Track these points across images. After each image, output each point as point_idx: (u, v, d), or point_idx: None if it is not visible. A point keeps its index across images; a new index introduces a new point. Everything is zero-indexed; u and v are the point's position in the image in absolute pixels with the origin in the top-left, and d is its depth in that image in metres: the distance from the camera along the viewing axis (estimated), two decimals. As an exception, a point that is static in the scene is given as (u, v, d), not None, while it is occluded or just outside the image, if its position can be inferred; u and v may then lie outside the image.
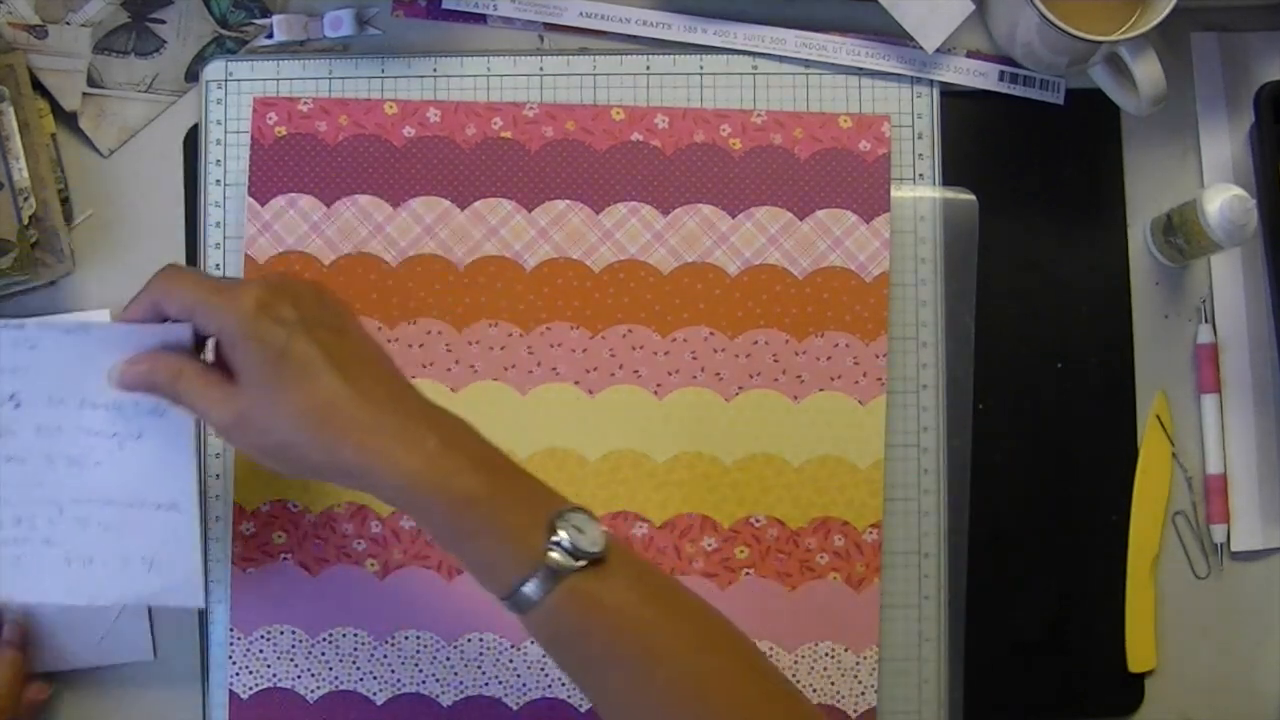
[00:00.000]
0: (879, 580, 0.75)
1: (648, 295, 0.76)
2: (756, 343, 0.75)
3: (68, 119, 0.77)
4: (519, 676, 0.74)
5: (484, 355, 0.75)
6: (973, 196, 0.78)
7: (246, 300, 0.60)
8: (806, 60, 0.78)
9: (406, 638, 0.74)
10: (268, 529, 0.74)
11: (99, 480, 0.67)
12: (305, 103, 0.76)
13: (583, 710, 0.74)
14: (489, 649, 0.74)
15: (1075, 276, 0.78)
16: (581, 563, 0.58)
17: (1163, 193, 0.79)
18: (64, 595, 0.68)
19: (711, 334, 0.75)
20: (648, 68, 0.78)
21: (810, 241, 0.76)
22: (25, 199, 0.73)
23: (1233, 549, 0.78)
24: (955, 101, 0.79)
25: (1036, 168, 0.79)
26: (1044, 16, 0.71)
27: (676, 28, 0.78)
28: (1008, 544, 0.77)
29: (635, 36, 0.78)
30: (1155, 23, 0.71)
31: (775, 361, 0.75)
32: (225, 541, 0.74)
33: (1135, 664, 0.77)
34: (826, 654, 0.75)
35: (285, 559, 0.74)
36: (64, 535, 0.67)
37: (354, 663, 0.74)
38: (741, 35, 0.78)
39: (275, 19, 0.77)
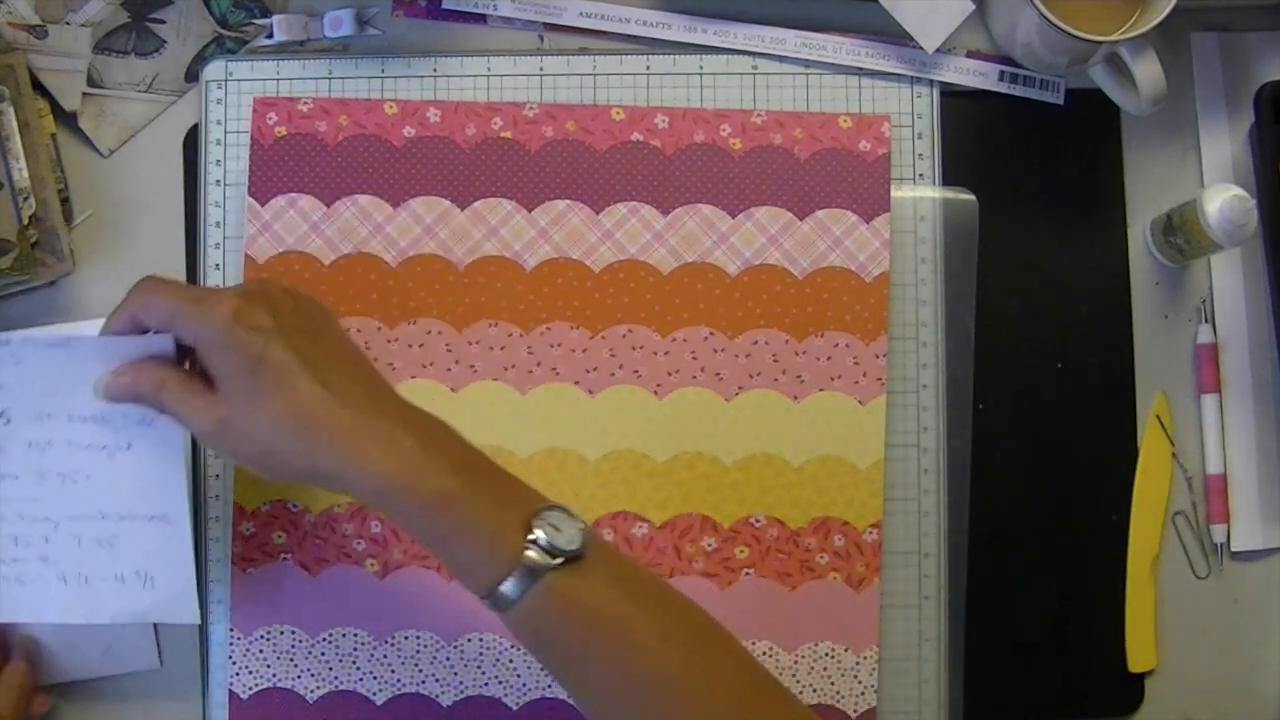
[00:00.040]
0: (879, 580, 0.75)
1: (648, 295, 0.76)
2: (756, 343, 0.75)
3: (68, 119, 0.77)
4: (519, 676, 0.74)
5: (484, 355, 0.75)
6: (973, 196, 0.78)
7: (222, 309, 0.61)
8: (806, 60, 0.78)
9: (406, 638, 0.74)
10: (268, 529, 0.74)
11: (92, 494, 0.67)
12: (305, 103, 0.76)
13: (583, 710, 0.74)
14: (489, 649, 0.74)
15: (1075, 276, 0.78)
16: (559, 561, 0.58)
17: (1163, 193, 0.79)
18: (61, 614, 0.69)
19: (711, 334, 0.75)
20: (648, 68, 0.78)
21: (810, 241, 0.76)
22: (25, 199, 0.73)
23: (1233, 549, 0.78)
24: (955, 101, 0.79)
25: (1036, 168, 0.79)
26: (1044, 16, 0.71)
27: (676, 28, 0.78)
28: (1008, 544, 0.77)
29: (635, 36, 0.79)
30: (1155, 23, 0.71)
31: (775, 361, 0.75)
32: (225, 541, 0.74)
33: (1135, 664, 0.77)
34: (826, 654, 0.75)
35: (285, 559, 0.74)
36: (59, 553, 0.68)
37: (354, 663, 0.74)
38: (741, 35, 0.78)
39: (275, 19, 0.77)
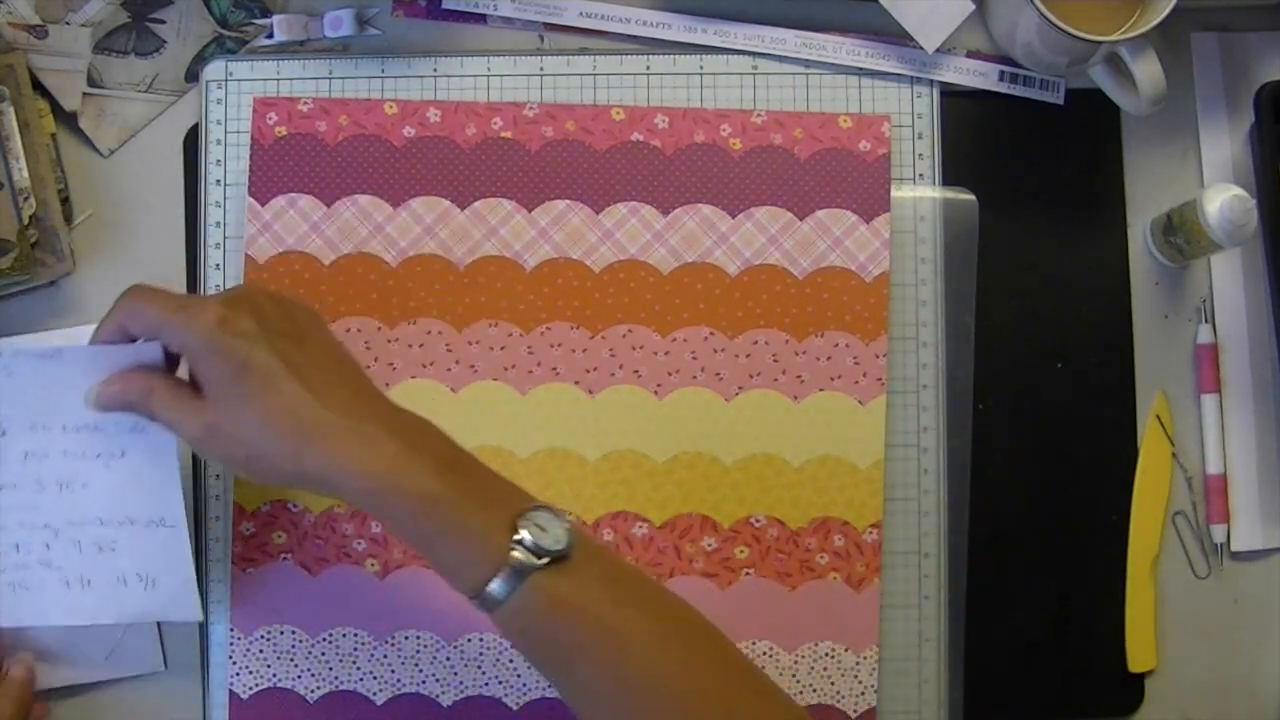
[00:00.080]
0: (879, 580, 0.75)
1: (648, 295, 0.76)
2: (756, 343, 0.75)
3: (68, 119, 0.77)
4: (519, 676, 0.74)
5: (484, 355, 0.75)
6: (973, 196, 0.78)
7: (207, 316, 0.61)
8: (806, 60, 0.78)
9: (406, 638, 0.74)
10: (268, 529, 0.74)
11: (89, 501, 0.69)
12: (305, 103, 0.76)
13: (583, 710, 0.74)
14: (489, 649, 0.74)
15: (1075, 276, 0.78)
16: (545, 561, 0.58)
17: (1163, 193, 0.79)
18: (65, 617, 0.70)
19: (711, 334, 0.75)
20: (648, 68, 0.78)
21: (810, 241, 0.76)
22: (25, 199, 0.73)
23: (1233, 549, 0.78)
24: (955, 101, 0.79)
25: (1036, 168, 0.79)
26: (1044, 16, 0.71)
27: (676, 28, 0.78)
28: (1008, 544, 0.77)
29: (635, 36, 0.78)
30: (1155, 23, 0.71)
31: (775, 361, 0.75)
32: (225, 541, 0.74)
33: (1135, 664, 0.77)
34: (826, 654, 0.75)
35: (285, 559, 0.74)
36: (61, 558, 0.69)
37: (354, 663, 0.74)
38: (741, 35, 0.78)
39: (275, 19, 0.77)
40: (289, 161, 0.76)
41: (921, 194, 0.78)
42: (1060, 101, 0.79)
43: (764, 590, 0.75)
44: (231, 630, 0.74)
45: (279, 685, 0.74)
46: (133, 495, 0.69)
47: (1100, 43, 0.72)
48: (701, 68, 0.78)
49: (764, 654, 0.74)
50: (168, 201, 0.77)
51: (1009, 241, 0.78)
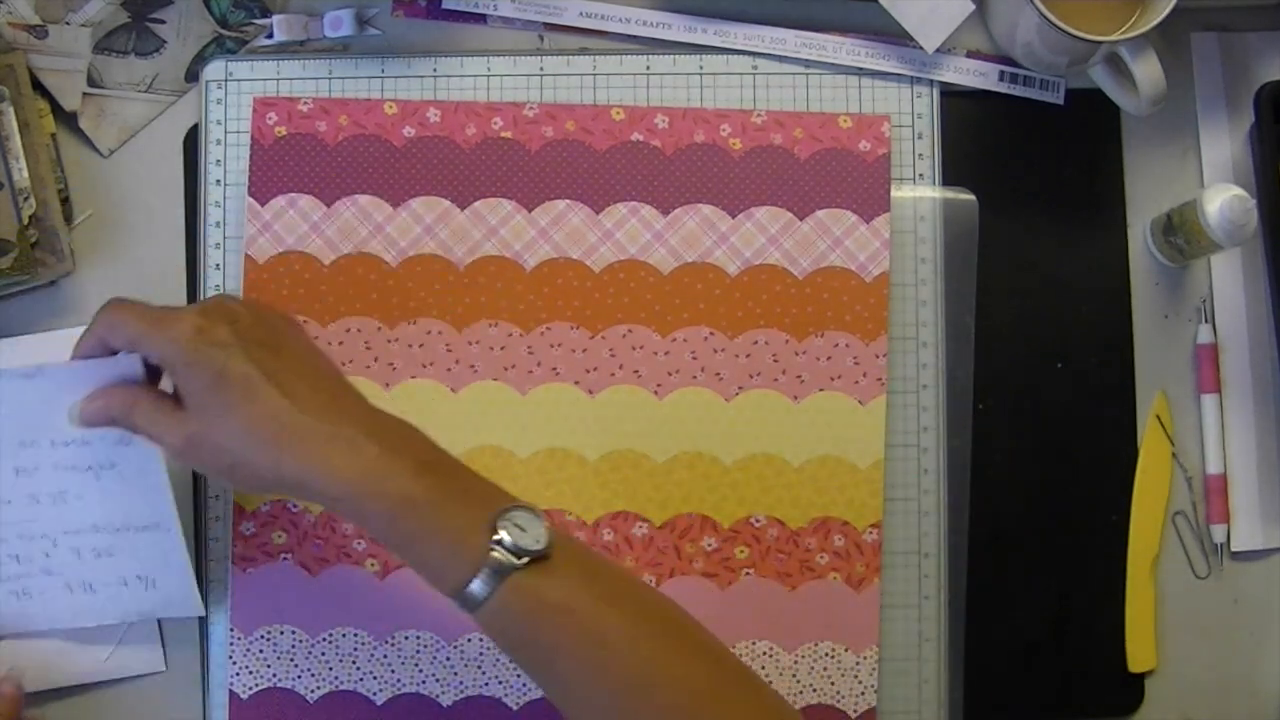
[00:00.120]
0: (879, 580, 0.75)
1: (648, 295, 0.76)
2: (756, 343, 0.75)
3: (68, 119, 0.77)
4: (519, 676, 0.74)
5: (484, 355, 0.75)
6: (973, 196, 0.78)
7: (183, 327, 0.62)
8: (806, 60, 0.78)
9: (406, 638, 0.74)
10: (268, 529, 0.74)
11: (84, 511, 0.70)
12: (305, 103, 0.76)
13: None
14: (489, 649, 0.74)
15: (1075, 276, 0.78)
16: (524, 560, 0.58)
17: (1163, 193, 0.79)
18: (71, 620, 0.72)
19: (711, 334, 0.75)
20: (648, 68, 0.78)
21: (810, 241, 0.76)
22: (25, 199, 0.73)
23: (1233, 549, 0.78)
24: (955, 101, 0.79)
25: (1036, 168, 0.79)
26: (1044, 16, 0.71)
27: (676, 28, 0.78)
28: (1008, 544, 0.77)
29: (635, 36, 0.78)
30: (1155, 23, 0.71)
31: (775, 361, 0.75)
32: (225, 541, 0.74)
33: (1135, 664, 0.77)
34: (826, 654, 0.75)
35: (285, 559, 0.74)
36: (62, 565, 0.71)
37: (354, 663, 0.74)
38: (741, 35, 0.78)
39: (275, 19, 0.77)
40: (289, 161, 0.76)
41: (921, 194, 0.78)
42: (1060, 101, 0.79)
43: (764, 590, 0.75)
44: (231, 630, 0.74)
45: (279, 685, 0.74)
46: (125, 503, 0.70)
47: (1100, 43, 0.72)
48: (701, 68, 0.78)
49: (764, 654, 0.74)
50: (168, 201, 0.77)
51: (1009, 241, 0.78)
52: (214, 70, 0.77)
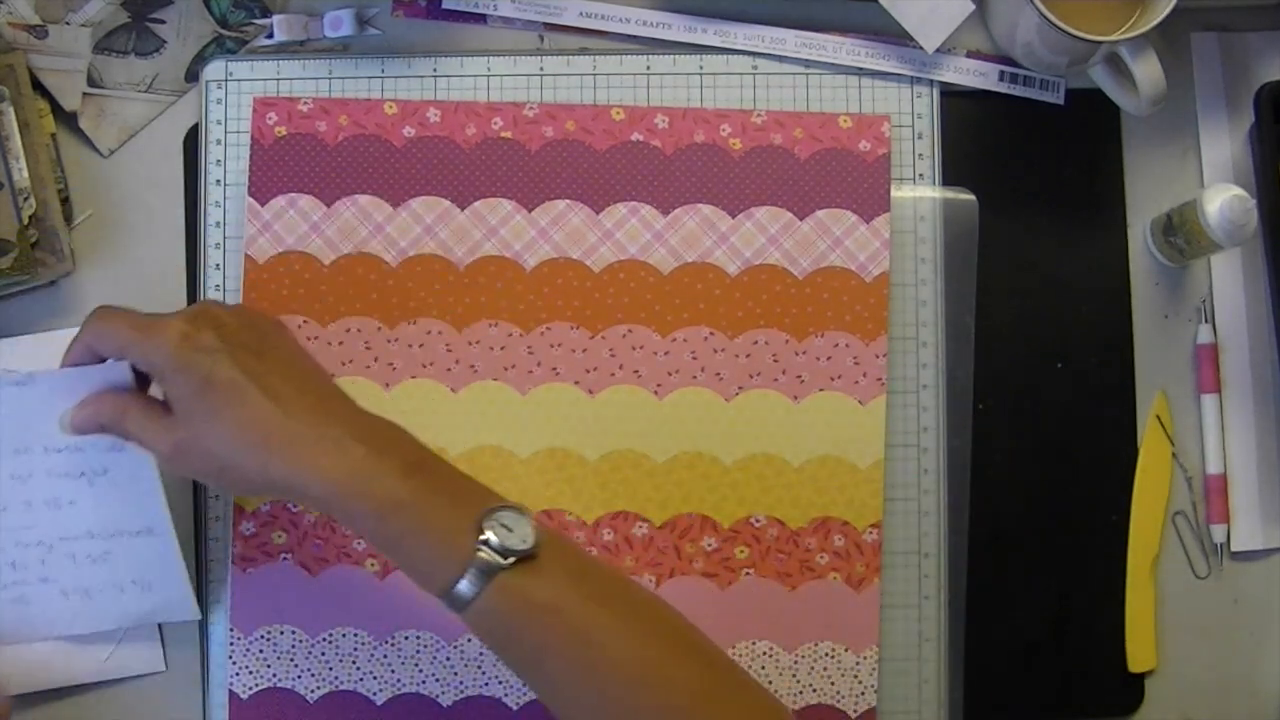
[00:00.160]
0: (879, 580, 0.75)
1: (648, 295, 0.76)
2: (756, 343, 0.75)
3: (68, 119, 0.77)
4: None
5: (484, 355, 0.75)
6: (973, 196, 0.78)
7: (169, 334, 0.62)
8: (806, 60, 0.78)
9: (406, 638, 0.74)
10: (268, 529, 0.74)
11: (78, 517, 0.70)
12: (305, 103, 0.76)
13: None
14: (489, 649, 0.74)
15: (1075, 276, 0.78)
16: (511, 560, 0.59)
17: (1163, 193, 0.79)
18: (68, 627, 0.72)
19: (711, 334, 0.75)
20: (648, 68, 0.78)
21: (810, 241, 0.76)
22: (25, 199, 0.73)
23: (1233, 549, 0.78)
24: (955, 101, 0.79)
25: (1036, 168, 0.79)
26: (1044, 16, 0.71)
27: (676, 28, 0.78)
28: (1008, 544, 0.77)
29: (635, 36, 0.78)
30: (1155, 23, 0.71)
31: (775, 361, 0.75)
32: (225, 541, 0.74)
33: (1135, 664, 0.77)
34: (826, 654, 0.74)
35: (285, 559, 0.74)
36: (58, 572, 0.71)
37: (354, 663, 0.74)
38: (741, 35, 0.78)
39: (275, 19, 0.77)
40: (289, 161, 0.76)
41: (921, 194, 0.78)
42: (1060, 101, 0.79)
43: (764, 590, 0.75)
44: (231, 630, 0.74)
45: (279, 685, 0.74)
46: (119, 508, 0.70)
47: (1100, 43, 0.72)
48: (701, 68, 0.78)
49: (764, 654, 0.74)
50: (168, 201, 0.77)
51: (1009, 241, 0.78)
52: (214, 70, 0.77)
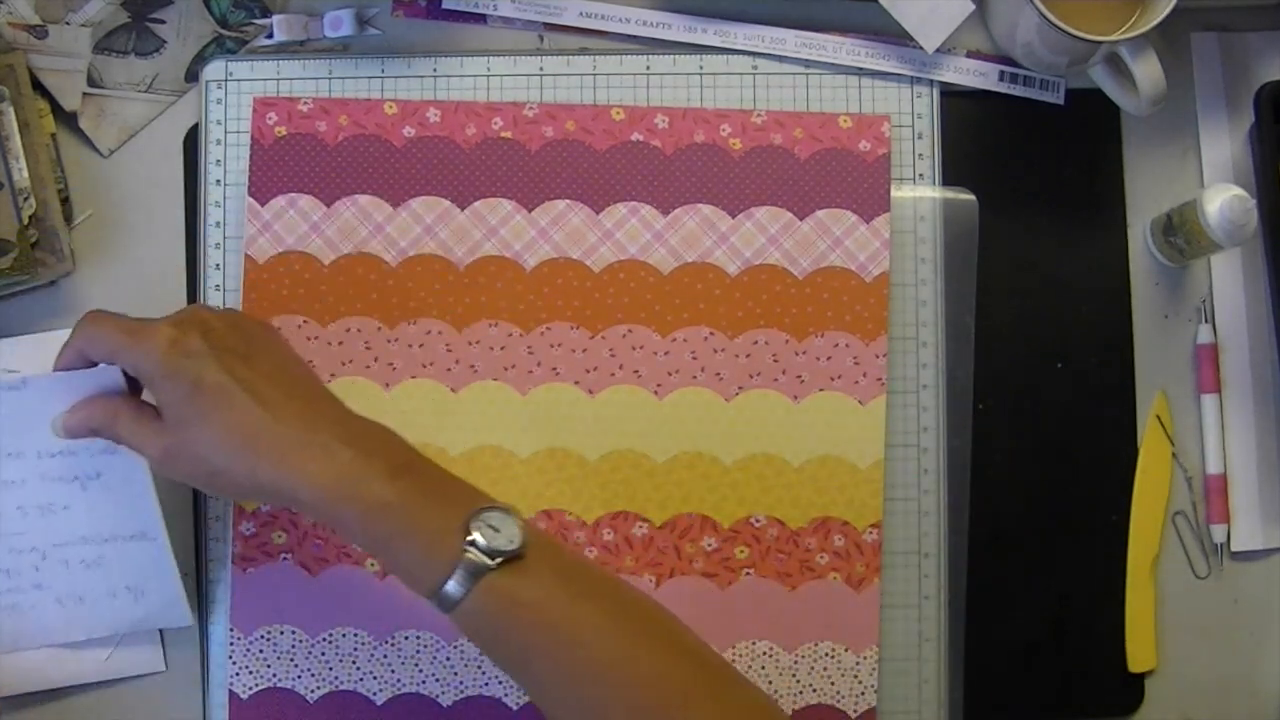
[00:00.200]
0: (879, 580, 0.75)
1: (648, 295, 0.76)
2: (756, 343, 0.75)
3: (68, 119, 0.77)
4: (519, 676, 0.74)
5: (484, 355, 0.75)
6: (973, 196, 0.78)
7: (158, 339, 0.62)
8: (806, 60, 0.78)
9: (406, 638, 0.74)
10: (268, 529, 0.74)
11: (72, 522, 0.70)
12: (305, 103, 0.76)
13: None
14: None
15: (1075, 276, 0.78)
16: (498, 561, 0.59)
17: (1163, 193, 0.79)
18: (63, 635, 0.72)
19: (711, 334, 0.75)
20: (648, 68, 0.78)
21: (810, 241, 0.76)
22: (25, 199, 0.73)
23: (1233, 549, 0.78)
24: (955, 101, 0.79)
25: (1036, 168, 0.79)
26: (1044, 16, 0.71)
27: (676, 28, 0.78)
28: (1008, 544, 0.77)
29: (635, 36, 0.78)
30: (1155, 23, 0.71)
31: (775, 361, 0.75)
32: (225, 541, 0.74)
33: (1135, 664, 0.77)
34: (826, 654, 0.75)
35: (285, 559, 0.74)
36: (51, 579, 0.71)
37: (354, 663, 0.74)
38: (741, 35, 0.78)
39: (275, 19, 0.77)
40: (289, 161, 0.76)
41: (921, 194, 0.78)
42: (1060, 101, 0.79)
43: (764, 590, 0.75)
44: (231, 630, 0.74)
45: (279, 685, 0.74)
46: (112, 513, 0.70)
47: (1100, 43, 0.72)
48: (701, 68, 0.78)
49: (764, 654, 0.74)
50: (168, 201, 0.77)
51: (1009, 241, 0.78)
52: (214, 70, 0.77)
